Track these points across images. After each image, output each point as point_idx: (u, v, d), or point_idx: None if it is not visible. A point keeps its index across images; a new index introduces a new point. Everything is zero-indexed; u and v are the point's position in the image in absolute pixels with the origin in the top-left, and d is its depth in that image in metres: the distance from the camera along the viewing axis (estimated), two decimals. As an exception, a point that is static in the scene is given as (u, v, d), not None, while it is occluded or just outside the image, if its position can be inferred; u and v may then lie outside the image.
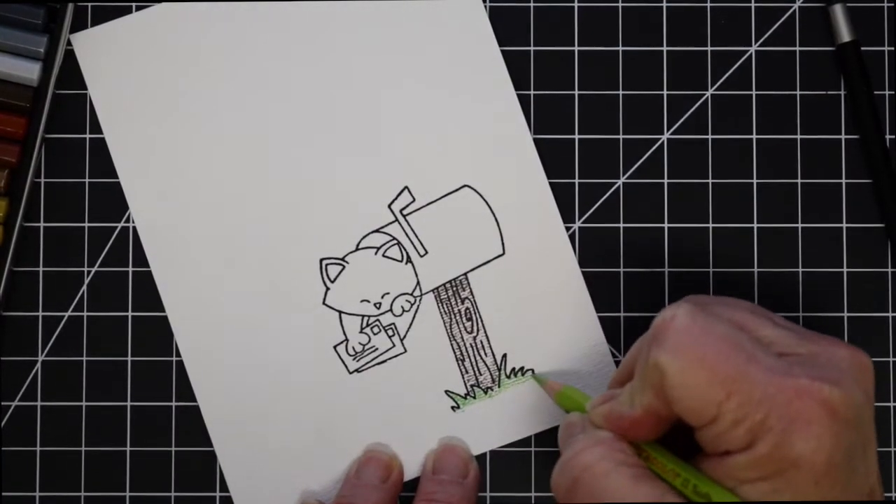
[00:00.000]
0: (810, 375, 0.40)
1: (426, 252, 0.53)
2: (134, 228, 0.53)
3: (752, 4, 0.54)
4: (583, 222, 0.53)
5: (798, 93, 0.54)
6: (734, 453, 0.40)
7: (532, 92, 0.54)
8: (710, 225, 0.53)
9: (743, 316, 0.43)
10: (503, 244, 0.53)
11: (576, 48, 0.54)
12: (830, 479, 0.39)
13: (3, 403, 0.53)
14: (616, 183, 0.54)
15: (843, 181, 0.54)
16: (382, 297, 0.53)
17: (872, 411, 0.41)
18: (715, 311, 0.43)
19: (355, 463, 0.52)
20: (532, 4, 0.54)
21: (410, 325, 0.53)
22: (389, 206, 0.53)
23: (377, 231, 0.53)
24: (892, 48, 0.54)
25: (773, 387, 0.40)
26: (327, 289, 0.53)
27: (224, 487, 0.53)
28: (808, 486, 0.39)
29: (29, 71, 0.52)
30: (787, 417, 0.39)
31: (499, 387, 0.53)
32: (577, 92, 0.54)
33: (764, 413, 0.39)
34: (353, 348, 0.53)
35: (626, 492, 0.41)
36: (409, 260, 0.53)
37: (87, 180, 0.54)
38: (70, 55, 0.53)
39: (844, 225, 0.53)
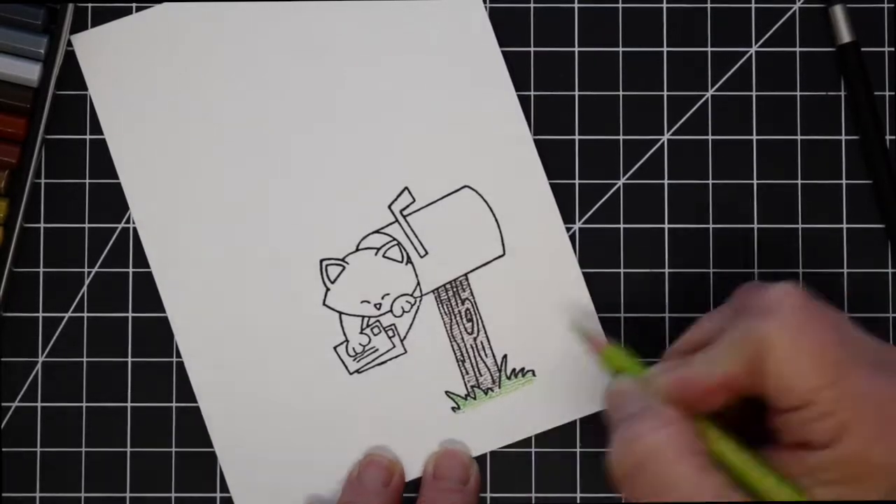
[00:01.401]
0: None
1: (426, 253, 0.53)
2: (134, 229, 0.53)
3: (753, 4, 0.54)
4: (583, 222, 0.53)
5: (798, 93, 0.54)
6: (814, 448, 0.39)
7: (532, 92, 0.54)
8: (711, 225, 0.53)
9: (842, 315, 0.42)
10: (503, 245, 0.53)
11: (576, 48, 0.54)
12: None
13: (3, 404, 0.53)
14: (616, 183, 0.54)
15: (843, 181, 0.54)
16: (383, 297, 0.53)
17: None
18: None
19: (356, 466, 0.52)
20: (532, 4, 0.54)
21: (411, 325, 0.53)
22: (390, 206, 0.53)
23: (377, 232, 0.53)
24: (892, 48, 0.54)
25: (873, 387, 0.39)
26: (327, 289, 0.53)
27: (224, 488, 0.53)
28: (883, 496, 0.38)
29: (29, 71, 0.52)
30: (878, 421, 0.38)
31: (499, 388, 0.53)
32: (577, 92, 0.54)
33: (856, 411, 0.38)
34: (354, 349, 0.53)
35: (692, 482, 0.39)
36: (409, 260, 0.53)
37: (87, 181, 0.54)
38: (70, 55, 0.53)
39: (844, 225, 0.53)
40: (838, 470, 0.39)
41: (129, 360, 0.53)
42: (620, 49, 0.54)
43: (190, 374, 0.53)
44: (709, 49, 0.54)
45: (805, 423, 0.39)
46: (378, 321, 0.53)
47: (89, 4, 0.54)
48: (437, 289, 0.53)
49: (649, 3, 0.54)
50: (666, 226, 0.53)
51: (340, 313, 0.53)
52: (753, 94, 0.54)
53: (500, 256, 0.53)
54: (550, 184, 0.53)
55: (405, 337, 0.53)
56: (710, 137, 0.54)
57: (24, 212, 0.52)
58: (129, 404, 0.53)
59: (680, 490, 0.39)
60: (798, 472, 0.40)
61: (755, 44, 0.54)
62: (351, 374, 0.53)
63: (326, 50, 0.53)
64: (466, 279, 0.53)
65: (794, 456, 0.40)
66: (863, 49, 0.53)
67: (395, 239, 0.53)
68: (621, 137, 0.54)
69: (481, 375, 0.53)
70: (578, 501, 0.53)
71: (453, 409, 0.53)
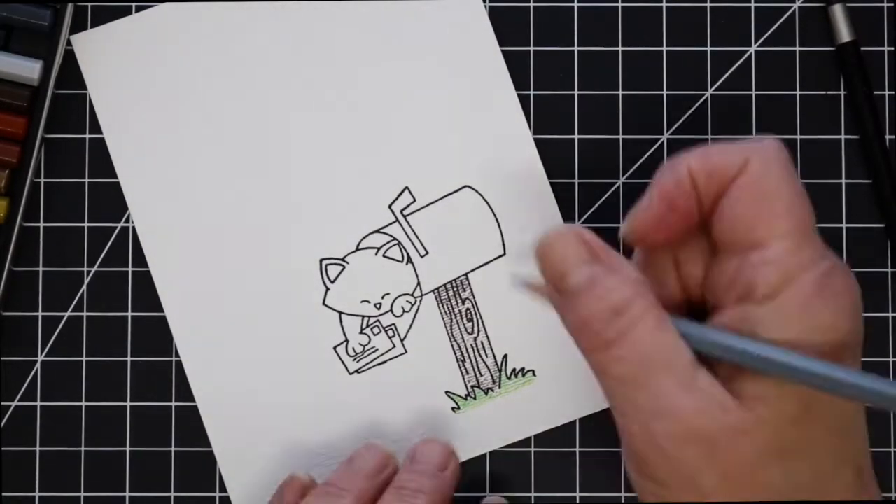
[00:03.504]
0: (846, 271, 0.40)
1: (427, 252, 0.53)
2: (133, 228, 0.53)
3: (752, 4, 0.54)
4: (583, 222, 0.53)
5: (798, 93, 0.54)
6: (756, 301, 0.39)
7: (532, 92, 0.54)
8: (710, 225, 0.53)
9: None
10: (504, 244, 0.53)
11: (576, 48, 0.54)
12: (851, 356, 0.39)
13: (3, 403, 0.53)
14: (616, 183, 0.54)
15: (843, 181, 0.54)
16: (383, 297, 0.53)
17: None
18: None
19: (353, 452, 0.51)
20: (532, 4, 0.54)
21: (411, 325, 0.53)
22: (390, 206, 0.53)
23: (377, 231, 0.53)
24: (892, 48, 0.54)
25: (821, 257, 0.39)
26: (327, 289, 0.53)
27: (223, 487, 0.53)
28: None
29: (29, 71, 0.52)
30: (818, 285, 0.39)
31: (499, 388, 0.53)
32: (577, 92, 0.54)
33: (802, 268, 0.39)
34: (353, 349, 0.53)
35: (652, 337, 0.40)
36: (409, 260, 0.53)
37: (86, 180, 0.54)
38: (70, 55, 0.53)
39: (844, 225, 0.54)
40: (780, 326, 0.39)
41: (129, 359, 0.53)
42: (620, 48, 0.54)
43: (188, 374, 0.53)
44: (708, 48, 0.54)
45: (752, 268, 0.39)
46: (378, 321, 0.53)
47: (89, 4, 0.54)
48: (437, 289, 0.53)
49: (649, 2, 0.54)
50: (666, 225, 0.53)
51: (340, 313, 0.53)
52: (753, 93, 0.54)
53: (500, 256, 0.53)
54: (550, 183, 0.53)
55: (405, 337, 0.53)
56: (709, 137, 0.54)
57: (24, 211, 0.52)
58: (128, 404, 0.53)
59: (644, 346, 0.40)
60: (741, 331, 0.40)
61: (755, 43, 0.54)
62: (351, 374, 0.53)
63: (326, 50, 0.53)
64: (467, 279, 0.53)
65: (736, 312, 0.40)
66: (862, 48, 0.53)
67: (395, 238, 0.53)
68: (621, 137, 0.54)
69: (481, 375, 0.53)
70: (578, 501, 0.53)
71: (453, 409, 0.53)
